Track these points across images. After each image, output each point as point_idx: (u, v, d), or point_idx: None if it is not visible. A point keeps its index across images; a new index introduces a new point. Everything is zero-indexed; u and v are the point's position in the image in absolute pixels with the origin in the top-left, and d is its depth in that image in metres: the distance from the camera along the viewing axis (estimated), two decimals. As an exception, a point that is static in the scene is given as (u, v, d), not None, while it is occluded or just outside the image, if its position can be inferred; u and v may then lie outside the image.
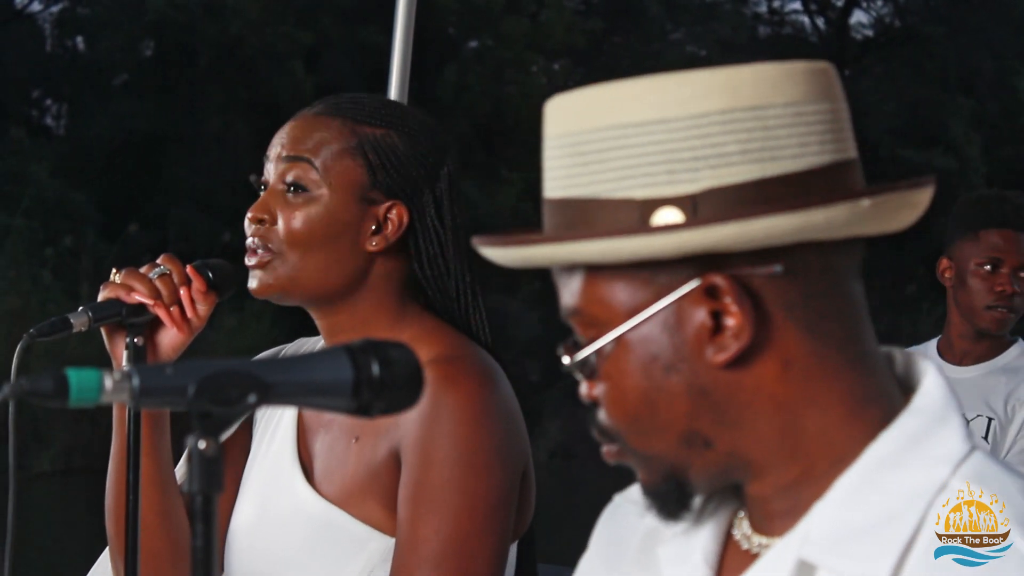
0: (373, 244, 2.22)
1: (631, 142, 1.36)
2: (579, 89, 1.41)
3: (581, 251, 1.37)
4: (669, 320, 1.38)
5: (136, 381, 1.30)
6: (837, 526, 1.38)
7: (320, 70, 19.74)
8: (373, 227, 2.22)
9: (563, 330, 1.48)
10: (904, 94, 23.07)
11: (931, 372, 1.46)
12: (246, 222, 2.24)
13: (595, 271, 1.39)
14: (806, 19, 25.98)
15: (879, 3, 25.40)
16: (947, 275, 4.13)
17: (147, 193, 19.59)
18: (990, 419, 4.02)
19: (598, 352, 1.41)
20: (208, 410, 1.31)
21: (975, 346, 4.13)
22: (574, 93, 1.40)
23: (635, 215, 1.35)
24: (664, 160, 1.35)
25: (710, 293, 1.37)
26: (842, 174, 1.39)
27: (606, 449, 1.46)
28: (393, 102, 2.34)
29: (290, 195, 2.21)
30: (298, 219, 2.20)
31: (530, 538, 2.28)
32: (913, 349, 4.67)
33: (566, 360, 1.44)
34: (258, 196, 2.26)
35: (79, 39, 22.39)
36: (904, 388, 1.45)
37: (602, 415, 1.44)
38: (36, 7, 22.74)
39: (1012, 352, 4.13)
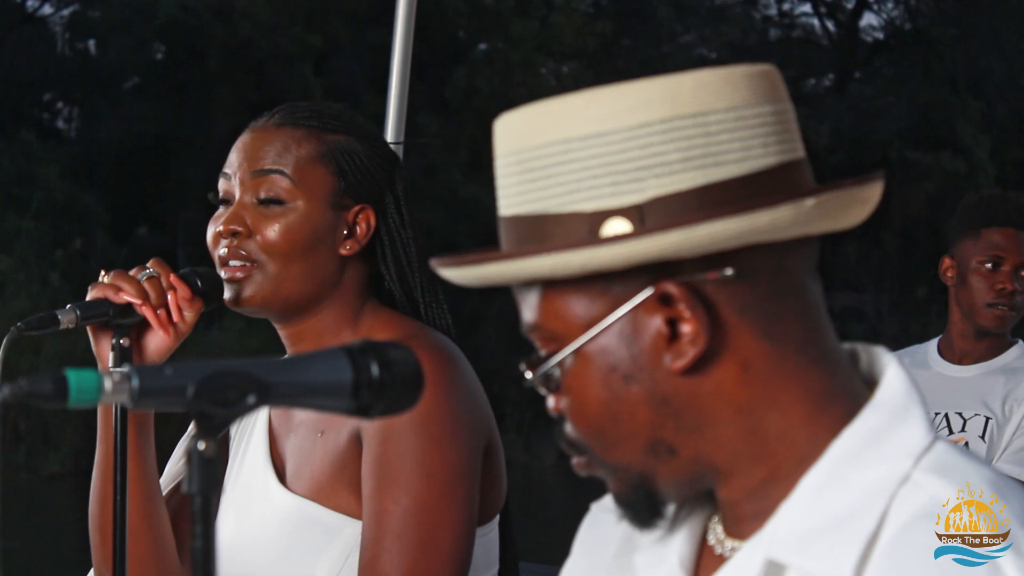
0: (346, 248, 2.25)
1: (575, 156, 1.36)
2: (525, 106, 1.41)
3: (532, 267, 1.38)
4: (626, 330, 1.38)
5: (136, 382, 1.29)
6: (803, 524, 1.39)
7: (329, 72, 19.77)
8: (345, 232, 2.25)
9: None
10: (913, 96, 23.07)
11: (892, 365, 1.46)
12: (211, 236, 2.25)
13: (550, 286, 1.40)
14: (816, 21, 25.99)
15: (890, 5, 25.40)
16: (949, 274, 4.15)
17: (156, 196, 19.62)
18: (987, 418, 4.03)
19: (560, 366, 1.42)
20: (207, 411, 1.30)
21: (975, 346, 4.14)
22: (520, 110, 1.41)
23: (584, 228, 1.36)
24: (608, 172, 1.36)
25: (664, 301, 1.37)
26: (788, 175, 1.39)
27: (576, 461, 1.46)
28: (345, 109, 2.36)
29: (263, 207, 2.23)
30: (276, 230, 2.22)
31: (506, 517, 2.30)
32: (913, 348, 4.63)
33: (528, 376, 1.44)
34: (216, 210, 2.27)
35: (91, 42, 22.44)
36: (869, 384, 1.45)
37: (569, 428, 1.44)
38: (47, 10, 22.79)
39: (1012, 353, 4.14)
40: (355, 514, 2.18)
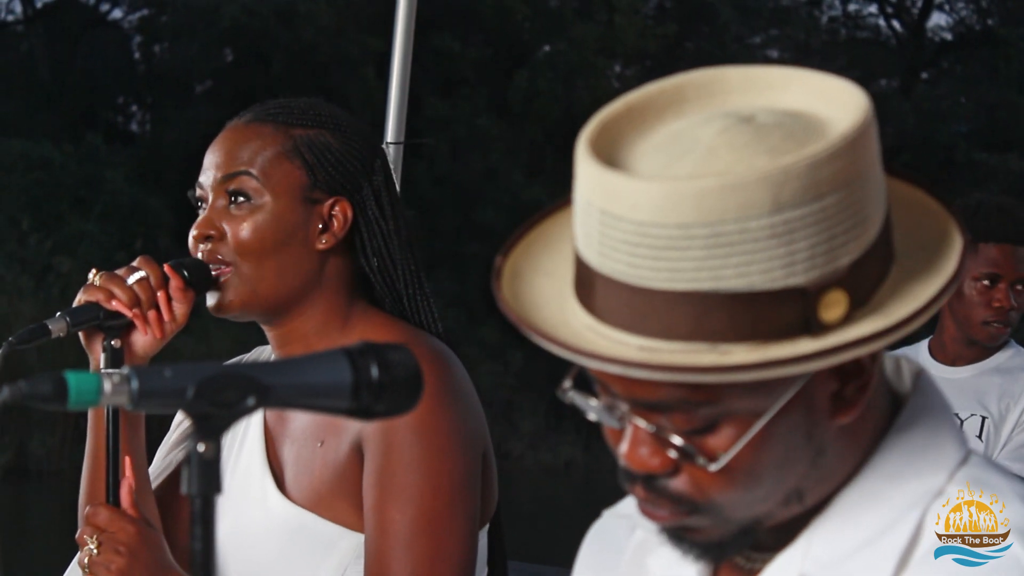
0: (323, 242, 2.24)
1: (791, 227, 1.26)
2: (696, 178, 1.27)
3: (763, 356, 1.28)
4: (807, 389, 1.33)
5: (135, 384, 1.30)
6: (838, 540, 1.38)
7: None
8: (320, 226, 2.24)
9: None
10: (981, 97, 22.86)
11: (922, 378, 1.45)
12: (191, 241, 2.26)
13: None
14: (882, 22, 25.80)
15: (960, 4, 25.16)
16: None
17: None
18: (984, 418, 3.99)
19: (714, 434, 1.34)
20: (207, 412, 1.31)
21: (967, 350, 4.09)
22: (699, 181, 1.27)
23: (798, 306, 1.27)
24: (826, 239, 1.28)
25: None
26: None
27: (668, 513, 1.38)
28: (319, 102, 2.33)
29: (233, 208, 2.24)
30: (246, 229, 2.22)
31: (498, 523, 2.30)
32: (904, 349, 4.54)
33: (672, 454, 1.34)
34: (197, 213, 2.28)
35: (160, 46, 22.57)
36: (894, 394, 1.45)
37: (688, 487, 1.36)
38: (117, 14, 22.98)
39: (1005, 353, 4.09)
40: (353, 526, 2.18)
